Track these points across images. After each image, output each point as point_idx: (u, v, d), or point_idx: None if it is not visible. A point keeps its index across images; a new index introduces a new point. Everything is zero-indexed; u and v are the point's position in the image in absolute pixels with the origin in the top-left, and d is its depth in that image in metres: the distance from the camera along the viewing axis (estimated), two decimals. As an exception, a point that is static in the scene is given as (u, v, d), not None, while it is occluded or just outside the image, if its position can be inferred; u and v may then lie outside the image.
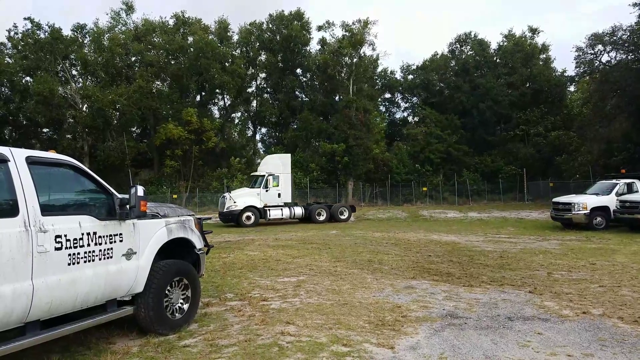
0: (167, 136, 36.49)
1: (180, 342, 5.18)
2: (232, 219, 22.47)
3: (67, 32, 40.07)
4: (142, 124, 42.28)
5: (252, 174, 26.32)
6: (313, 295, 7.38)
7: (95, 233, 4.64)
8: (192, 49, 40.06)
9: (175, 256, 5.89)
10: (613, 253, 11.47)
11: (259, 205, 23.03)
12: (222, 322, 5.93)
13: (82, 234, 4.50)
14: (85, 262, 4.50)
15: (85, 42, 41.25)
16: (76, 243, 4.43)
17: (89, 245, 4.55)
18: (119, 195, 5.04)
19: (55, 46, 37.50)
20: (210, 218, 8.35)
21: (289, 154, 26.96)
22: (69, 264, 4.34)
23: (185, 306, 5.73)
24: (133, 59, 41.42)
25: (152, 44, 41.21)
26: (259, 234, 18.74)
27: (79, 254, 4.44)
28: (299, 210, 23.98)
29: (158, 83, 42.19)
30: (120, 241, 4.93)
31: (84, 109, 38.40)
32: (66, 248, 4.32)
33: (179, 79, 40.34)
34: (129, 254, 5.02)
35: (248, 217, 22.49)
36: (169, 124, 36.73)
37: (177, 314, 5.60)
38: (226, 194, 23.71)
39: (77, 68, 41.34)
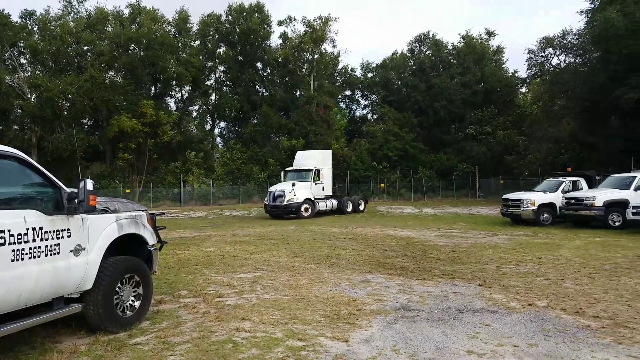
0: (120, 128, 35.36)
1: (131, 340, 5.06)
2: (292, 211, 23.07)
3: (15, 18, 38.20)
4: (93, 115, 40.80)
5: (287, 168, 26.55)
6: (270, 290, 7.37)
7: (41, 228, 4.47)
8: (145, 40, 38.92)
9: (127, 252, 5.75)
10: (558, 248, 12.00)
11: (312, 198, 23.92)
12: (175, 320, 5.83)
13: (27, 229, 4.32)
14: (30, 258, 4.32)
15: (34, 29, 39.36)
16: (20, 238, 4.25)
17: (34, 240, 4.38)
18: (67, 189, 4.85)
19: (3, 33, 35.58)
20: (163, 213, 8.10)
21: (329, 150, 28.97)
22: (13, 260, 4.16)
23: (137, 303, 5.60)
24: (85, 48, 39.86)
25: (104, 34, 39.77)
26: (216, 230, 18.50)
27: (23, 249, 4.26)
28: (335, 203, 25.45)
29: (112, 74, 40.80)
30: (68, 236, 4.76)
31: (32, 99, 36.67)
32: (10, 244, 4.14)
33: (133, 70, 39.13)
34: (77, 250, 4.85)
35: (306, 209, 23.40)
36: (122, 116, 35.59)
37: (128, 312, 5.47)
38: (277, 188, 23.86)
39: (25, 56, 39.45)
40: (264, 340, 5.00)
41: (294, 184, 23.22)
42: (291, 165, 26.83)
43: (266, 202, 24.32)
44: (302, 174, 24.73)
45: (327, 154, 27.11)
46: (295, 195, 23.09)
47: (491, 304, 6.47)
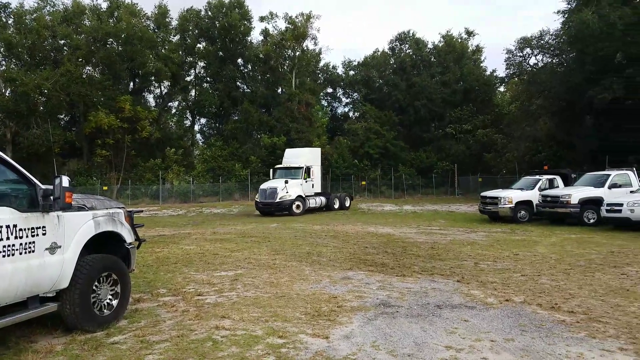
0: (98, 124, 34.75)
1: (108, 339, 4.99)
2: (285, 209, 23.33)
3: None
4: (70, 111, 39.99)
5: (277, 166, 26.84)
6: (250, 288, 7.34)
7: (15, 226, 4.37)
8: (124, 34, 38.29)
9: (104, 250, 5.67)
10: (534, 244, 12.22)
11: (303, 195, 24.26)
12: (153, 318, 5.77)
13: (1, 227, 4.23)
14: (4, 256, 4.23)
15: (9, 22, 38.33)
16: (-7, 236, 4.14)
17: (8, 238, 4.29)
18: (43, 186, 4.76)
19: (-25, 25, 34.63)
20: (142, 211, 8.07)
21: (319, 148, 29.82)
22: (-15, 259, 4.06)
23: (115, 302, 5.52)
24: (62, 42, 39.00)
25: (81, 28, 38.97)
26: (196, 227, 18.35)
27: (-4, 248, 4.16)
28: (324, 200, 26.00)
29: (89, 68, 40.02)
30: (44, 234, 4.67)
31: (7, 93, 35.74)
32: (-18, 242, 4.04)
33: (111, 64, 38.46)
34: (52, 248, 4.76)
35: (298, 206, 23.75)
36: (99, 112, 34.98)
37: (105, 310, 5.39)
38: (269, 185, 23.94)
39: (0, 50, 38.42)
40: (244, 338, 4.98)
41: (286, 182, 23.42)
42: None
43: (257, 200, 24.38)
44: (291, 172, 24.95)
45: (316, 152, 27.62)
46: (287, 192, 23.34)
47: (469, 299, 6.56)
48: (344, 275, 8.31)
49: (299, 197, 23.81)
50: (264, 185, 24.43)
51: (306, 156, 26.27)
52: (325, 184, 38.58)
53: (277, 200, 23.18)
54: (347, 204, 27.58)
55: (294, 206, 23.43)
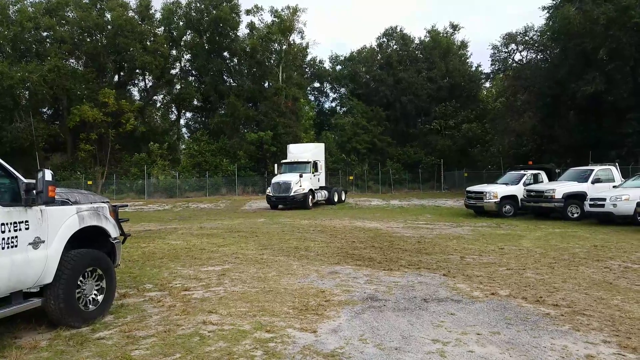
0: (82, 118, 34.26)
1: (94, 334, 4.93)
2: (298, 202, 23.59)
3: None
4: (54, 104, 39.34)
5: (284, 161, 26.99)
6: (238, 283, 7.31)
7: (-4, 220, 4.28)
8: (110, 27, 37.72)
9: (89, 245, 5.59)
10: (519, 238, 12.35)
11: (313, 189, 24.84)
12: (140, 313, 5.72)
13: (-18, 222, 4.14)
14: (-15, 252, 4.14)
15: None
16: (-26, 231, 4.06)
17: (-10, 233, 4.19)
18: (25, 180, 4.67)
19: (-43, 17, 33.83)
20: (127, 205, 7.95)
21: (322, 144, 30.60)
22: (-34, 254, 3.97)
23: (100, 297, 5.45)
24: (44, 34, 38.28)
25: (65, 19, 38.28)
26: (183, 222, 18.22)
27: (-22, 243, 4.08)
28: (326, 193, 26.68)
29: (72, 61, 39.37)
30: (26, 229, 4.58)
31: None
32: (-38, 237, 3.95)
33: (95, 57, 37.86)
34: (36, 243, 4.68)
35: (310, 200, 24.21)
36: (83, 105, 34.47)
37: (90, 306, 5.32)
38: (282, 179, 24.03)
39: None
40: (232, 332, 4.96)
41: (301, 175, 23.86)
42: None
43: (269, 193, 24.49)
44: (297, 166, 25.23)
45: (320, 147, 28.43)
46: (301, 186, 23.73)
47: (455, 293, 6.61)
48: (332, 270, 8.32)
49: (310, 191, 24.29)
50: (276, 179, 24.53)
51: (312, 151, 26.91)
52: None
53: (292, 194, 23.47)
54: (343, 197, 28.47)
55: (307, 199, 23.88)
